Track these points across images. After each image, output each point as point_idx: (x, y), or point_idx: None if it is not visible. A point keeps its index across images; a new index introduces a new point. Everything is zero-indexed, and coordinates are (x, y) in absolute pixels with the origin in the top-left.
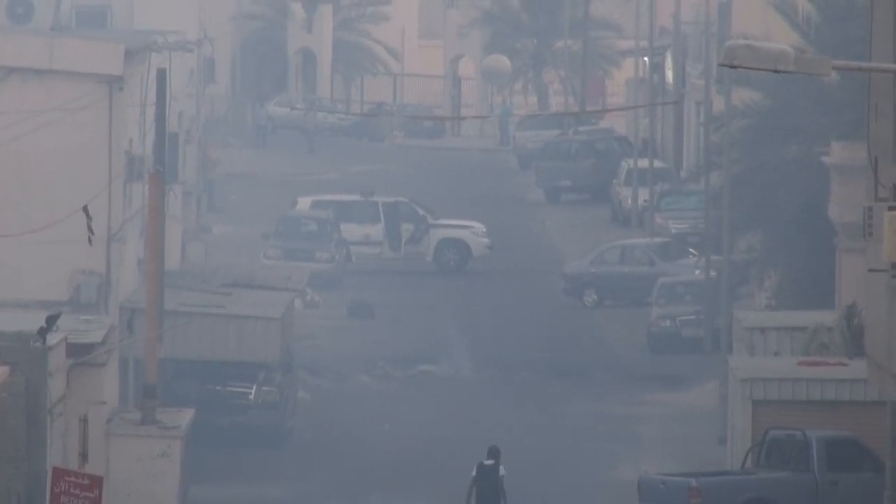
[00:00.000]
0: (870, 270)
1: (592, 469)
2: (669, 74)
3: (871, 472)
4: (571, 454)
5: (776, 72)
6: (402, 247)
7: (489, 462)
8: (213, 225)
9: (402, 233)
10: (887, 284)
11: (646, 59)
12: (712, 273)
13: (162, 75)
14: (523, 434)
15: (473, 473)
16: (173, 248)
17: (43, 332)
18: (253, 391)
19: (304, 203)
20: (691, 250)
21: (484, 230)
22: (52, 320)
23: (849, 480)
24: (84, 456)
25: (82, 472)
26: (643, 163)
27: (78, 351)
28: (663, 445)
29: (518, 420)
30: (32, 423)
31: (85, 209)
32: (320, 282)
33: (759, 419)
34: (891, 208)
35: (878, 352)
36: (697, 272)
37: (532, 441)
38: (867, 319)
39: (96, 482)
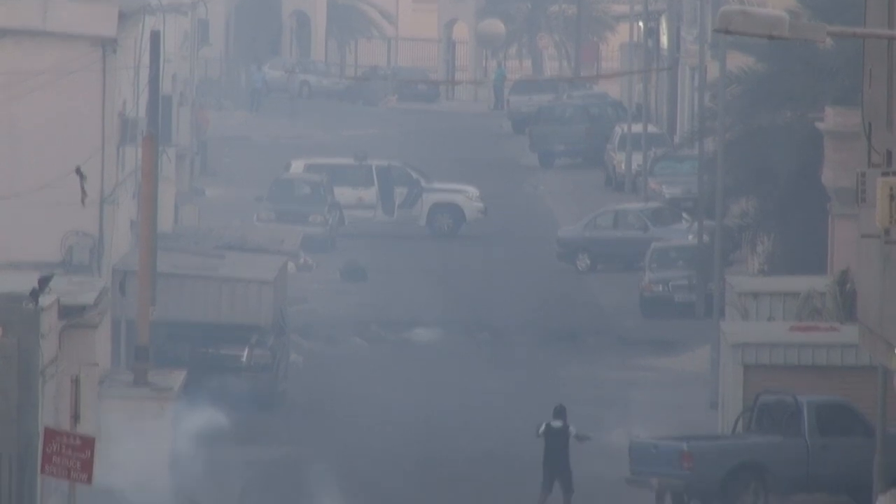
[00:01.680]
0: (862, 236)
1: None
2: (664, 39)
3: (861, 436)
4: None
5: (771, 38)
6: (395, 210)
7: (557, 423)
8: (206, 187)
9: (395, 196)
10: (880, 250)
11: (640, 23)
12: (705, 238)
13: (156, 37)
14: (514, 398)
15: (540, 432)
16: (166, 210)
17: (35, 294)
18: (245, 354)
19: (297, 166)
20: (684, 215)
21: (477, 194)
22: (44, 282)
23: (839, 445)
24: (76, 417)
25: (74, 433)
26: (637, 128)
27: (70, 312)
28: (655, 410)
29: (509, 384)
30: (24, 385)
31: (78, 170)
32: (313, 245)
33: (751, 384)
34: (884, 174)
35: (870, 317)
36: (690, 237)
37: (523, 405)
38: (859, 285)
39: (88, 443)
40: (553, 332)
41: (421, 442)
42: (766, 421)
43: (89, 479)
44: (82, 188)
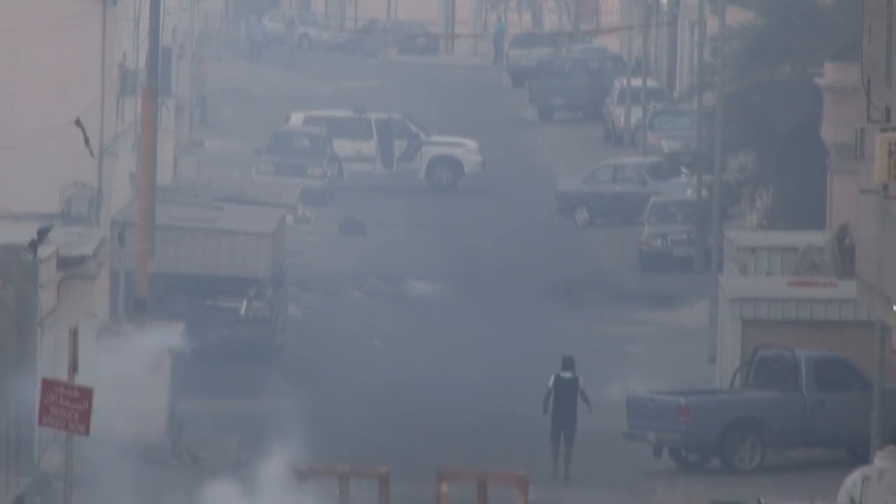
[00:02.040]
0: (861, 191)
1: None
2: None
3: (858, 391)
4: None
5: None
6: (394, 163)
7: (566, 374)
8: (205, 139)
9: (394, 149)
10: (878, 206)
11: None
12: (704, 192)
13: None
14: (513, 351)
15: (550, 385)
16: (165, 162)
17: (34, 245)
18: (243, 306)
19: (296, 119)
20: (683, 169)
21: (476, 148)
22: (43, 233)
23: (837, 400)
24: (74, 368)
25: (72, 384)
26: (636, 82)
27: (69, 264)
28: (653, 364)
29: (508, 338)
30: (22, 336)
31: (78, 121)
32: (312, 197)
33: (749, 338)
34: (883, 130)
35: (868, 272)
36: (689, 191)
37: (521, 359)
38: (858, 240)
39: (86, 394)
40: (551, 286)
41: (418, 395)
42: (764, 375)
43: (87, 431)
44: (85, 137)
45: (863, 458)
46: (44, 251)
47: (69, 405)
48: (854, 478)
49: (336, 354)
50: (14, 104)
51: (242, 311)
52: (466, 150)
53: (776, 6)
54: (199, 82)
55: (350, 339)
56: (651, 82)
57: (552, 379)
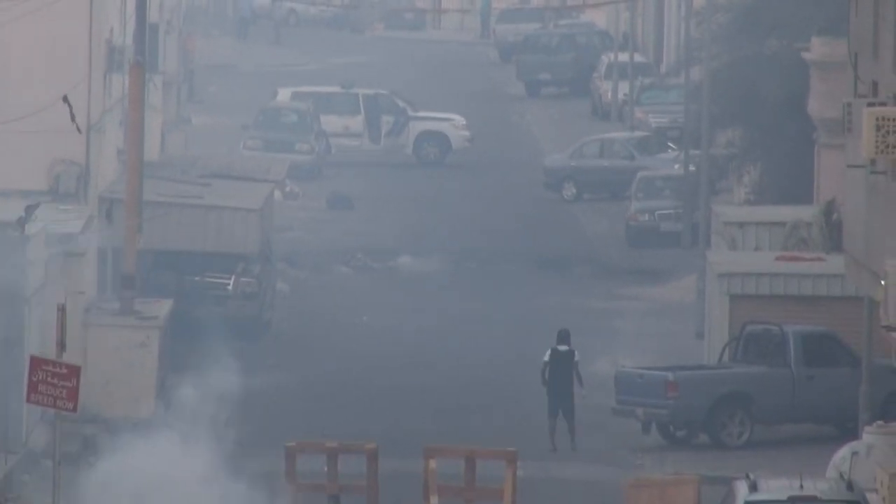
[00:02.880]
0: (848, 166)
1: None
2: None
3: (847, 366)
4: (547, 347)
5: None
6: (381, 139)
7: (563, 347)
8: (192, 116)
9: (382, 125)
10: (865, 180)
11: None
12: (691, 167)
13: None
14: (502, 326)
15: (546, 358)
16: (153, 138)
17: (21, 222)
18: (231, 282)
19: (284, 94)
20: (671, 144)
21: (464, 123)
22: (30, 210)
23: (825, 375)
24: (62, 345)
25: (60, 361)
26: (624, 57)
27: (57, 240)
28: (641, 339)
29: (496, 312)
30: (10, 313)
31: (65, 98)
32: (300, 173)
33: (737, 314)
34: (870, 104)
35: (856, 247)
36: (677, 166)
37: (510, 333)
38: (845, 215)
39: (74, 371)
40: (539, 261)
41: (406, 370)
42: (752, 351)
43: (75, 408)
44: (71, 114)
45: (851, 433)
46: (32, 228)
47: (57, 382)
48: (843, 453)
49: (324, 330)
50: (1, 80)
51: (230, 287)
52: (454, 125)
53: None
54: (186, 58)
55: (338, 314)
56: (638, 57)
57: (548, 352)
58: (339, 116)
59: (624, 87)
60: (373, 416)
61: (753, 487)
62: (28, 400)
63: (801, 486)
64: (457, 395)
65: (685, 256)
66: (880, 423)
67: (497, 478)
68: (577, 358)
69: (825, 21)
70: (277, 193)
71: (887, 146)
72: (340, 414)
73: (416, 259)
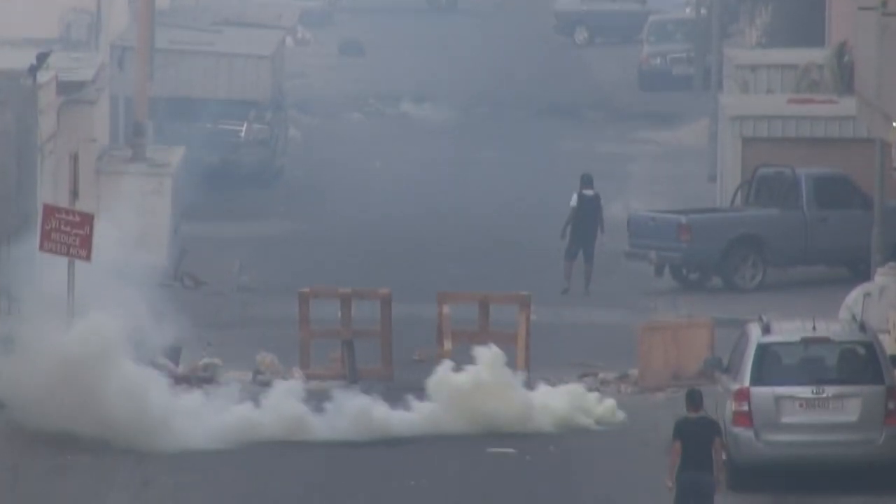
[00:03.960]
0: (860, 8)
1: None
2: None
3: (859, 208)
4: (562, 194)
5: None
6: None
7: (588, 192)
8: None
9: None
10: (877, 22)
11: None
12: (703, 10)
13: None
14: (513, 172)
15: (573, 203)
16: None
17: (33, 70)
18: (243, 129)
19: None
20: None
21: None
22: (42, 58)
23: (837, 217)
24: (75, 193)
25: (73, 209)
26: None
27: (68, 88)
28: (653, 183)
29: (508, 158)
30: (23, 162)
31: None
32: (311, 19)
33: (749, 157)
34: None
35: (868, 89)
36: (688, 10)
37: (521, 179)
38: (857, 57)
39: (87, 219)
40: (551, 106)
41: (419, 217)
42: (765, 194)
43: (88, 256)
44: None
45: (863, 274)
46: (43, 76)
47: (70, 230)
48: (855, 294)
49: (336, 177)
50: None
51: (242, 134)
52: None
53: None
54: None
55: (350, 161)
56: None
57: (574, 197)
58: None
59: None
60: (386, 262)
61: (766, 329)
62: (41, 248)
63: (814, 328)
64: (472, 240)
65: (697, 100)
66: (892, 264)
67: (510, 322)
68: (601, 202)
69: None
70: (289, 40)
71: None
72: (353, 260)
73: (428, 105)
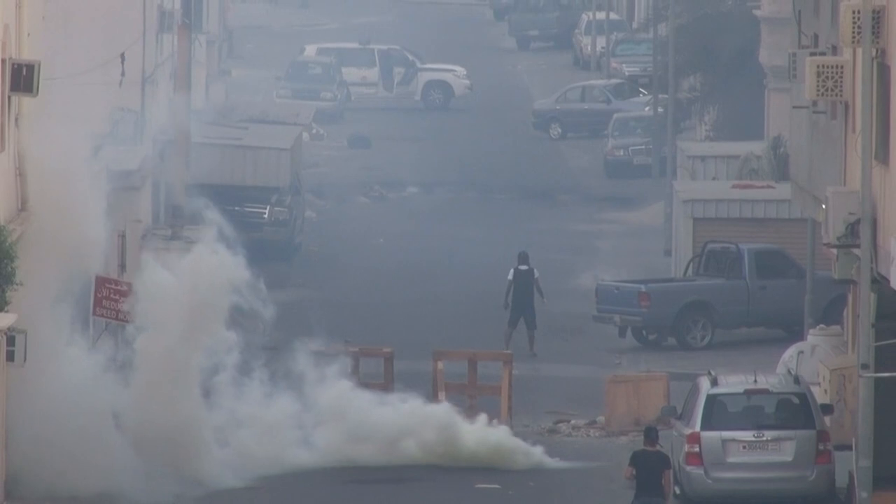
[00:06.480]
0: (793, 107)
1: (556, 277)
2: None
3: (794, 278)
4: (538, 265)
5: None
6: (394, 87)
7: (523, 267)
8: (232, 69)
9: (394, 75)
10: (808, 119)
11: None
12: (660, 109)
13: None
14: (497, 246)
15: (510, 277)
16: (198, 88)
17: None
18: (267, 211)
19: (310, 50)
20: (642, 90)
21: (465, 73)
22: (95, 151)
23: (775, 285)
24: (122, 266)
25: (121, 279)
26: (601, 15)
27: (117, 177)
28: (617, 257)
29: (492, 235)
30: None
31: (122, 56)
32: (324, 117)
33: (699, 234)
34: (812, 54)
35: (800, 176)
36: (647, 109)
37: (503, 253)
38: (791, 148)
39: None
40: (529, 191)
41: (416, 285)
42: (713, 266)
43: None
44: (122, 70)
45: (798, 335)
46: (95, 166)
47: (118, 298)
48: (791, 352)
49: (346, 251)
50: (70, 41)
51: (266, 216)
52: (456, 75)
53: None
54: (226, 20)
55: (358, 237)
56: (613, 15)
57: (511, 272)
58: (357, 68)
59: (601, 41)
60: (389, 324)
61: (714, 382)
62: (94, 313)
63: (756, 381)
64: (460, 305)
65: (655, 185)
66: (822, 326)
67: (495, 376)
68: (536, 275)
69: None
70: (305, 135)
71: (826, 89)
72: (361, 322)
73: (424, 189)
